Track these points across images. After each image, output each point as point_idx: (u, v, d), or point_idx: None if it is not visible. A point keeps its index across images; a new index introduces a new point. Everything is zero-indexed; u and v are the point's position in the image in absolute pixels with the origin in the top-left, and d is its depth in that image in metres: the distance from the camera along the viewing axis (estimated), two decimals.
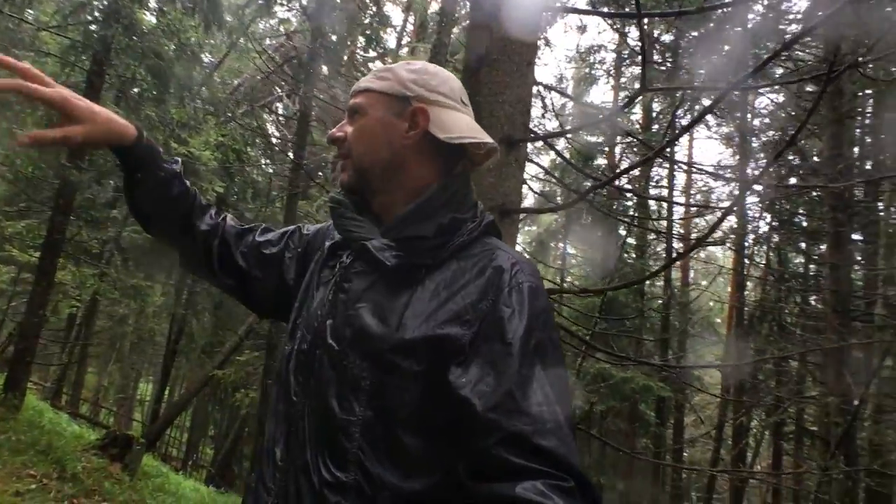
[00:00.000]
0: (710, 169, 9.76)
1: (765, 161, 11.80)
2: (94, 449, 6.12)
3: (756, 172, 10.88)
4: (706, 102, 11.63)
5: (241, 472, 14.98)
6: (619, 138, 12.32)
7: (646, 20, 5.32)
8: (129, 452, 6.22)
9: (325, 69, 11.08)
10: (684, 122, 12.61)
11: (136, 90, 9.10)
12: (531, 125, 3.35)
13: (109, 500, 5.45)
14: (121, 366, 17.55)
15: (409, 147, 0.96)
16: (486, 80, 2.84)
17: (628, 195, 10.67)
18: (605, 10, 5.41)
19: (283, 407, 0.94)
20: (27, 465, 5.28)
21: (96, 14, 7.92)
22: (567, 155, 8.07)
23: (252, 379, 10.75)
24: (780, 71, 7.85)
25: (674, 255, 12.54)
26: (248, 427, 14.03)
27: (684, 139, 12.83)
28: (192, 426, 18.34)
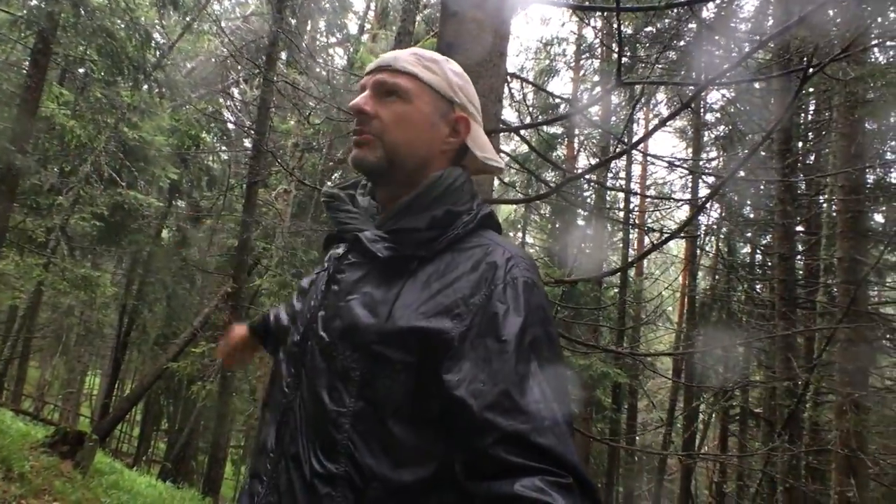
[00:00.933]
0: (690, 165, 10.01)
1: (712, 153, 12.26)
2: (43, 447, 5.82)
3: (710, 165, 11.27)
4: (660, 97, 11.99)
5: (197, 466, 14.63)
6: (576, 129, 12.55)
7: (608, 13, 5.41)
8: (81, 449, 5.95)
9: (283, 54, 10.80)
10: (639, 115, 12.99)
11: (82, 70, 8.66)
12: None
13: (61, 500, 5.22)
14: (66, 359, 16.78)
15: (444, 152, 0.97)
16: None
17: (590, 185, 10.88)
18: (586, 3, 5.42)
19: (277, 398, 0.93)
20: None
21: None
22: (530, 144, 8.15)
23: (209, 371, 10.46)
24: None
25: (632, 244, 12.89)
26: (203, 420, 13.69)
27: (640, 132, 13.15)
28: (144, 420, 17.78)
